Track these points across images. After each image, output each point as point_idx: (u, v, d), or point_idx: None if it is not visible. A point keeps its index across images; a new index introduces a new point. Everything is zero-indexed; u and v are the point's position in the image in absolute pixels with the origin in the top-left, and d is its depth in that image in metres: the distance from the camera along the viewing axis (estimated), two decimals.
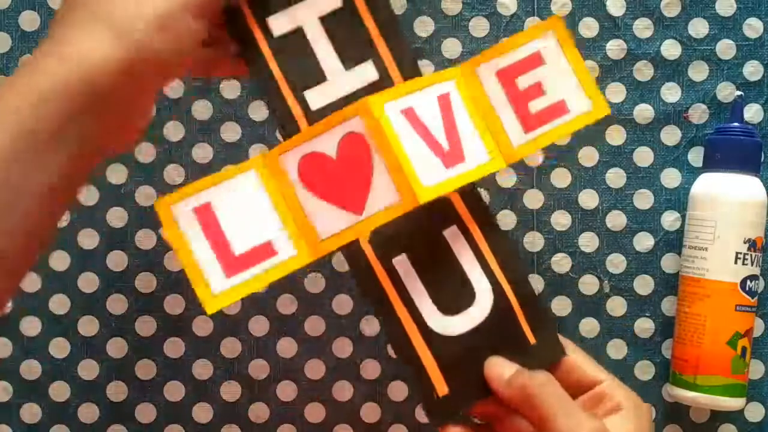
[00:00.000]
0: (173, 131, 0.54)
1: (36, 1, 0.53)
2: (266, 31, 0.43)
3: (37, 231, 0.37)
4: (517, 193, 0.54)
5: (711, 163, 0.53)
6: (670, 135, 0.55)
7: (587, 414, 0.40)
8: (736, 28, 0.54)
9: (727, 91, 0.54)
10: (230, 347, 0.54)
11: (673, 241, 0.55)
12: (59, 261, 0.53)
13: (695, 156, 0.54)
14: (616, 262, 0.55)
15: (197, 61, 0.43)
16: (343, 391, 0.54)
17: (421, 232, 0.44)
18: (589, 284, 0.55)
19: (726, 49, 0.54)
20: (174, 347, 0.54)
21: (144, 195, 0.54)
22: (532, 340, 0.44)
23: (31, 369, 0.54)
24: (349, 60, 0.44)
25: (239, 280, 0.41)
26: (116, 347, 0.54)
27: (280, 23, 0.43)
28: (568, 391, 0.41)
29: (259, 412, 0.54)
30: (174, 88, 0.54)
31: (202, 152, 0.54)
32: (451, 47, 0.54)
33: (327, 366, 0.54)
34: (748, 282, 0.51)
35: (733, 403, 0.51)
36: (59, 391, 0.54)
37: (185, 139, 0.54)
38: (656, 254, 0.55)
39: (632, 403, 0.42)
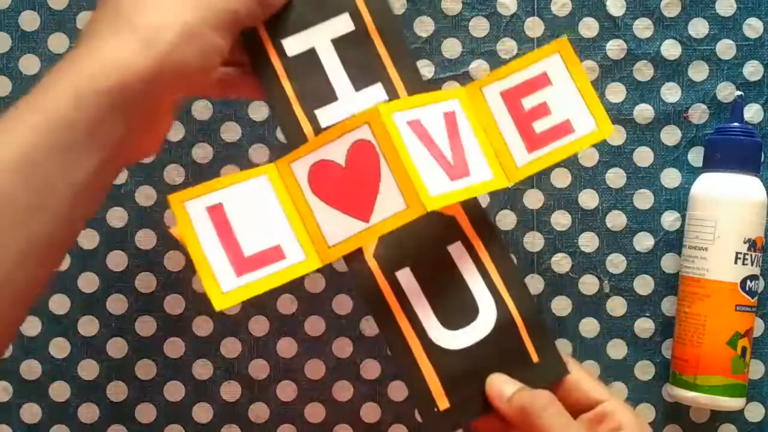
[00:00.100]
0: (173, 131, 0.54)
1: (36, 1, 0.53)
2: (281, 51, 0.45)
3: (58, 239, 0.37)
4: (517, 193, 0.54)
5: (711, 163, 0.53)
6: (670, 135, 0.55)
7: None
8: (736, 28, 0.54)
9: (727, 91, 0.54)
10: (230, 347, 0.54)
11: (673, 241, 0.55)
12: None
13: (695, 156, 0.54)
14: (616, 262, 0.55)
15: (216, 80, 0.45)
16: (343, 391, 0.54)
17: (426, 247, 0.45)
18: (589, 284, 0.55)
19: (726, 49, 0.54)
20: (174, 347, 0.54)
21: (144, 195, 0.54)
22: (535, 358, 0.44)
23: (31, 369, 0.54)
24: (359, 81, 0.45)
25: (248, 280, 0.42)
26: (116, 347, 0.54)
27: (294, 44, 0.45)
28: (569, 409, 0.41)
29: (259, 412, 0.54)
30: None
31: (202, 152, 0.54)
32: (451, 47, 0.54)
33: (327, 366, 0.54)
34: (748, 282, 0.51)
35: (733, 403, 0.51)
36: (59, 391, 0.54)
37: (185, 139, 0.54)
38: (656, 254, 0.55)
39: (634, 423, 0.42)
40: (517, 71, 0.45)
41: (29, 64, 0.53)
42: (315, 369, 0.54)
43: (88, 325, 0.54)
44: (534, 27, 0.54)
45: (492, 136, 0.45)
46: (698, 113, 0.54)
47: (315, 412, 0.54)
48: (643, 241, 0.55)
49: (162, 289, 0.54)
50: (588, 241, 0.55)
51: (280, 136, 0.54)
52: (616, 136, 0.54)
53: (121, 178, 0.54)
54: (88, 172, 0.37)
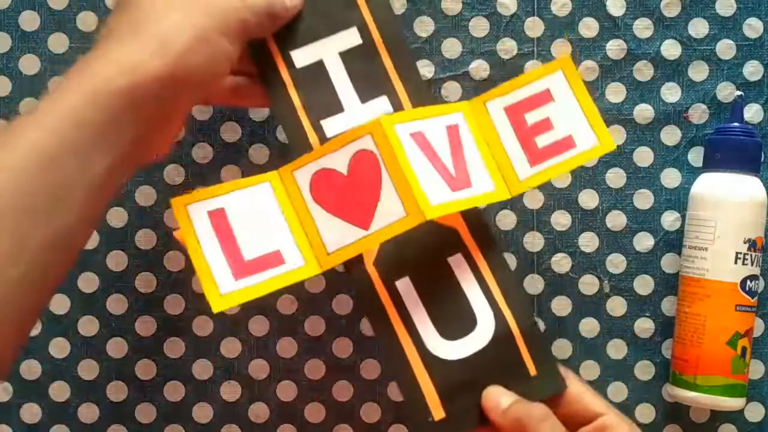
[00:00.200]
0: None
1: (36, 1, 0.53)
2: (289, 62, 0.46)
3: (74, 237, 0.38)
4: None
5: (711, 163, 0.53)
6: (670, 135, 0.55)
7: None
8: (736, 28, 0.54)
9: (727, 91, 0.54)
10: (230, 347, 0.54)
11: (673, 241, 0.55)
12: None
13: (695, 156, 0.54)
14: (616, 262, 0.55)
15: (227, 88, 0.47)
16: (343, 391, 0.54)
17: (426, 257, 0.45)
18: (589, 284, 0.55)
19: (726, 49, 0.54)
20: (174, 347, 0.54)
21: (144, 195, 0.54)
22: (533, 371, 0.44)
23: (31, 369, 0.54)
24: (366, 94, 0.46)
25: (247, 283, 0.42)
26: (116, 347, 0.54)
27: (302, 56, 0.46)
28: (568, 421, 0.41)
29: (259, 412, 0.54)
30: None
31: (202, 152, 0.54)
32: (451, 47, 0.54)
33: (327, 366, 0.54)
34: (748, 282, 0.51)
35: (733, 403, 0.51)
36: (59, 391, 0.54)
37: (185, 139, 0.54)
38: (656, 254, 0.55)
39: None
40: (521, 87, 0.46)
41: (29, 64, 0.53)
42: (315, 369, 0.54)
43: (88, 325, 0.54)
44: (534, 27, 0.54)
45: (494, 150, 0.46)
46: (698, 113, 0.54)
47: (315, 412, 0.54)
48: (643, 241, 0.55)
49: (162, 289, 0.54)
50: (588, 241, 0.55)
51: (280, 136, 0.54)
52: (617, 136, 0.54)
53: None
54: (103, 170, 0.38)
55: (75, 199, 0.37)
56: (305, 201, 0.44)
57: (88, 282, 0.54)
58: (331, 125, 0.45)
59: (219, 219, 0.43)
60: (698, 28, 0.54)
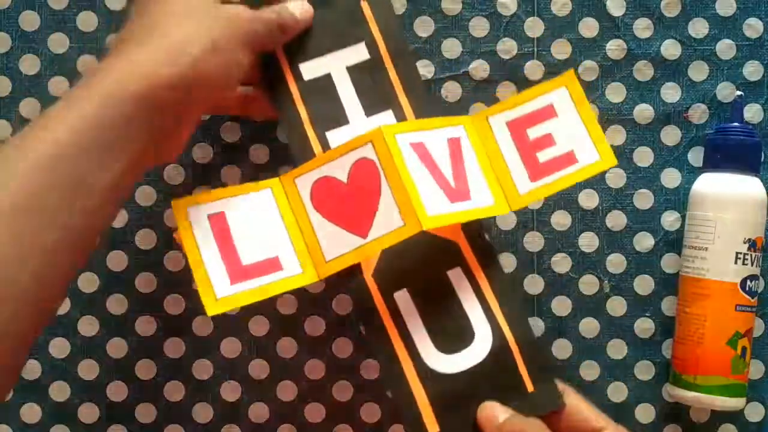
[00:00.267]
0: None
1: (36, 1, 0.53)
2: (297, 74, 0.46)
3: (86, 237, 0.39)
4: None
5: (711, 163, 0.53)
6: (670, 135, 0.55)
7: None
8: (736, 28, 0.54)
9: (727, 91, 0.54)
10: (230, 347, 0.54)
11: (673, 241, 0.55)
12: None
13: (695, 156, 0.54)
14: (616, 262, 0.55)
15: (238, 97, 0.48)
16: (343, 391, 0.54)
17: (426, 271, 0.45)
18: (589, 284, 0.55)
19: (726, 49, 0.54)
20: (174, 347, 0.54)
21: (144, 195, 0.54)
22: (530, 388, 0.44)
23: (31, 369, 0.54)
24: (371, 107, 0.46)
25: (243, 288, 0.42)
26: (116, 347, 0.54)
27: (310, 69, 0.47)
28: None
29: (259, 412, 0.54)
30: None
31: (202, 152, 0.54)
32: (451, 47, 0.54)
33: (327, 366, 0.54)
34: (748, 282, 0.51)
35: (733, 403, 0.51)
36: (59, 391, 0.54)
37: None
38: (656, 254, 0.55)
39: None
40: (524, 103, 0.46)
41: (29, 64, 0.53)
42: (315, 369, 0.54)
43: (88, 325, 0.54)
44: (534, 27, 0.54)
45: (495, 164, 0.46)
46: (698, 113, 0.54)
47: (315, 412, 0.54)
48: (643, 241, 0.55)
49: (162, 289, 0.54)
50: (588, 241, 0.55)
51: (280, 136, 0.54)
52: (617, 136, 0.54)
53: None
54: (115, 172, 0.38)
55: (86, 201, 0.38)
56: (305, 208, 0.44)
57: (88, 282, 0.54)
58: (336, 137, 0.46)
59: (219, 222, 0.43)
60: (698, 28, 0.54)
